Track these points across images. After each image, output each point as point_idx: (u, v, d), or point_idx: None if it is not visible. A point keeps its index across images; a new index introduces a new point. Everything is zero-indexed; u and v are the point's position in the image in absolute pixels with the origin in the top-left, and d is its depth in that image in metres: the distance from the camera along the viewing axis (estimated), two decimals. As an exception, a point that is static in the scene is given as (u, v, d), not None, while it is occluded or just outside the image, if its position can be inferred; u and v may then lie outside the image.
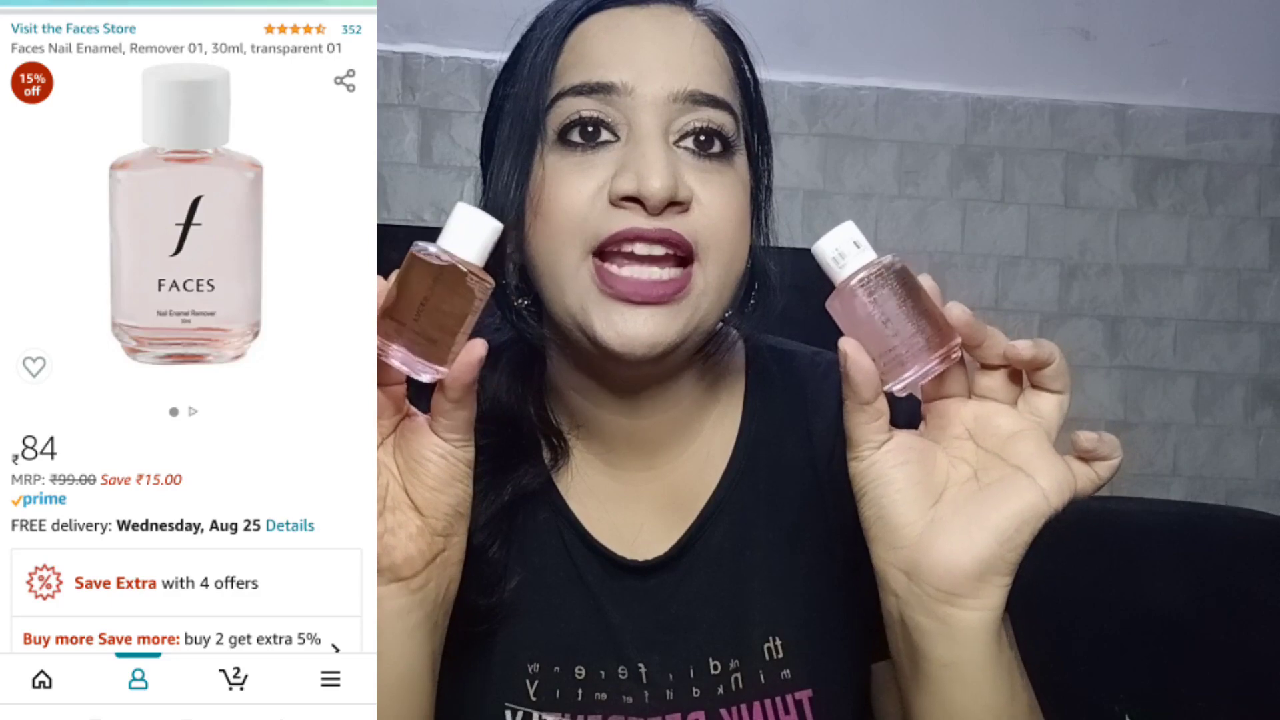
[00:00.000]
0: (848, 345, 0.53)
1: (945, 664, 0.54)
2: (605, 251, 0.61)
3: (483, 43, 1.58)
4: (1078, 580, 1.28)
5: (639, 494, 0.71)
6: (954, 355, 0.53)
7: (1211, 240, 1.91)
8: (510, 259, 0.65)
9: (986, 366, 0.55)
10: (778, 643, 0.68)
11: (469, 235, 0.53)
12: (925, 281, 0.54)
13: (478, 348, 0.52)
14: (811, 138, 1.84)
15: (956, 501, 0.54)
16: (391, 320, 0.51)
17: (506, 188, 0.63)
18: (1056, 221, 1.89)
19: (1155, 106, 1.89)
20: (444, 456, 0.55)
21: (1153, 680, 1.25)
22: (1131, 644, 1.27)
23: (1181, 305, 1.91)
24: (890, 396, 0.54)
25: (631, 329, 0.60)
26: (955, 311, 0.53)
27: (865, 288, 0.53)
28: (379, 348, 0.51)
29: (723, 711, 0.67)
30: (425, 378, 0.53)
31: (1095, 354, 1.89)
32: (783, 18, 1.80)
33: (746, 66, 0.68)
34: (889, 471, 0.54)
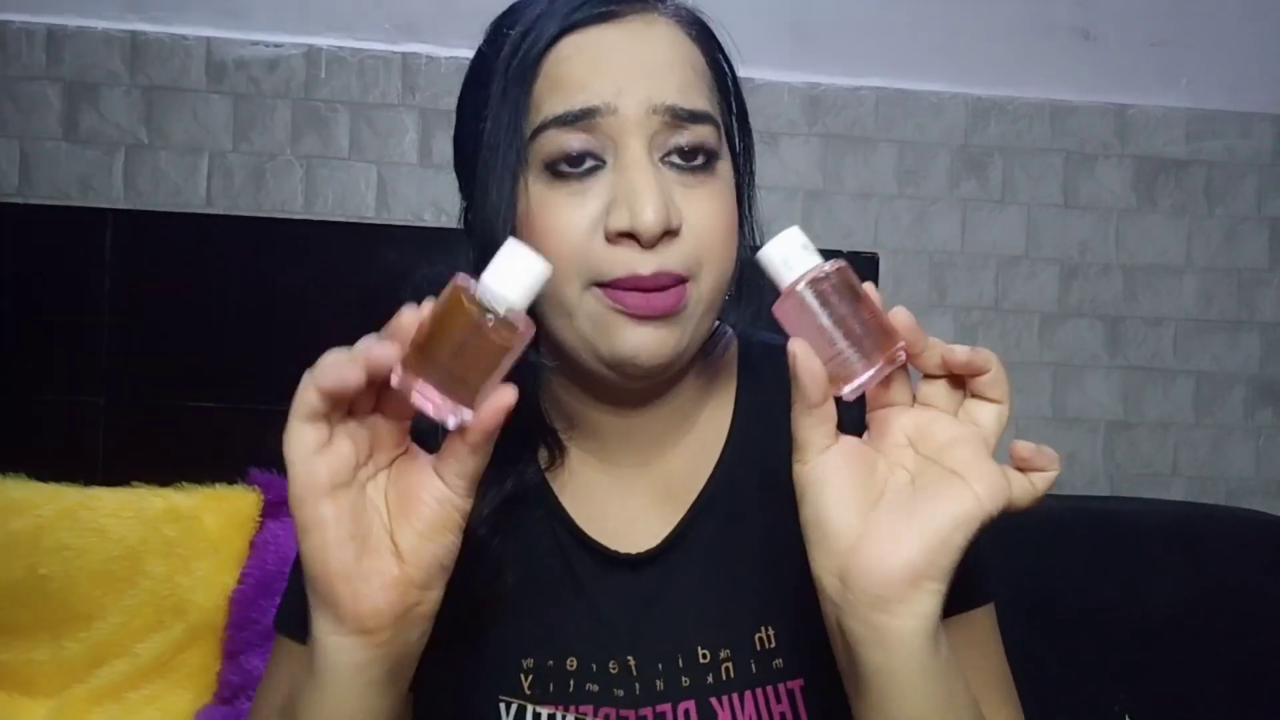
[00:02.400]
0: (797, 346, 0.53)
1: (879, 670, 0.53)
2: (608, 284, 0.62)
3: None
4: (1078, 580, 1.29)
5: (633, 488, 0.72)
6: (899, 358, 0.53)
7: (1211, 240, 1.91)
8: None
9: (929, 376, 0.56)
10: (770, 632, 0.69)
11: (518, 278, 0.51)
12: (868, 287, 0.54)
13: (508, 394, 0.50)
14: (811, 138, 1.84)
15: (892, 507, 0.53)
16: (422, 355, 0.49)
17: (492, 221, 0.63)
18: (1056, 221, 1.89)
19: (1155, 106, 1.89)
20: (442, 502, 0.52)
21: (1153, 680, 1.25)
22: (1131, 644, 1.27)
23: (1181, 305, 1.91)
24: (838, 403, 0.54)
25: (637, 343, 0.62)
26: (900, 315, 0.53)
27: (812, 290, 0.53)
28: (403, 382, 0.49)
29: (713, 701, 0.67)
30: (450, 421, 0.50)
31: (1095, 354, 1.89)
32: (783, 18, 1.80)
33: (725, 63, 0.69)
34: (829, 474, 0.53)
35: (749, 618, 0.69)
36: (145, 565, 1.43)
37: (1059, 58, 1.87)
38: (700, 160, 0.63)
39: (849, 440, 0.55)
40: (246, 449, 1.52)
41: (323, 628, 0.52)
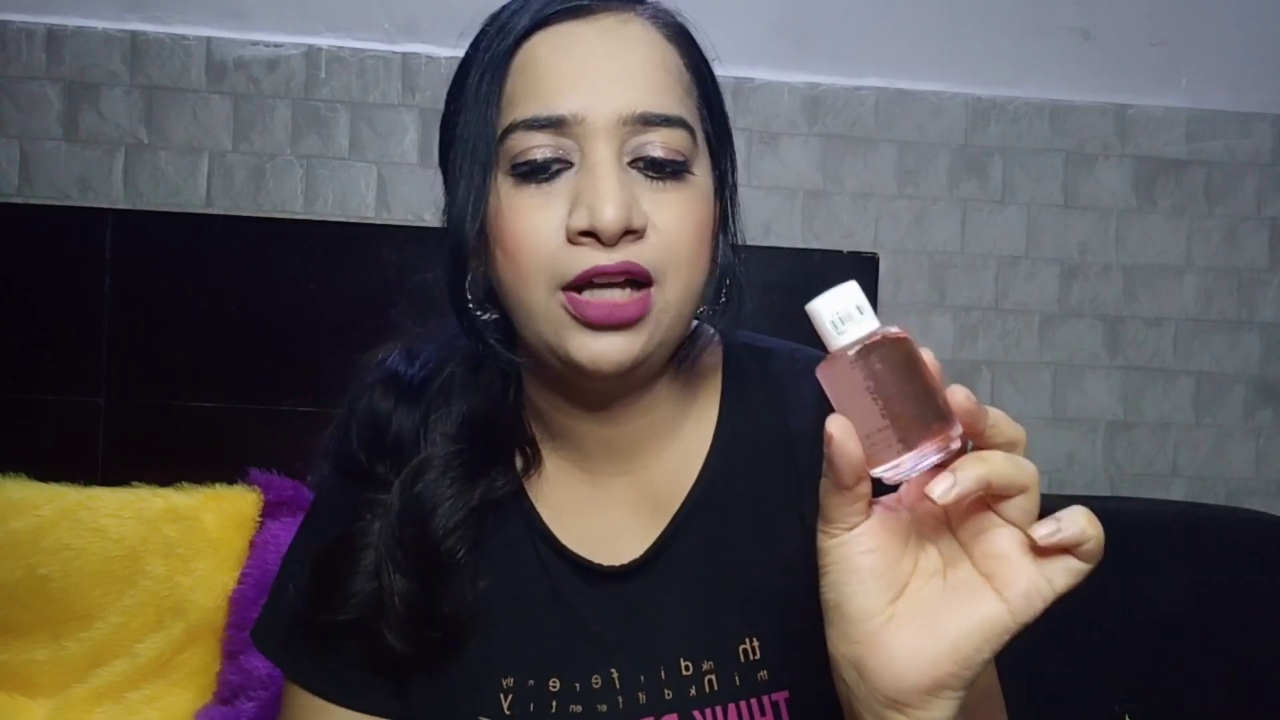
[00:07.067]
0: (834, 427, 0.47)
1: None
2: (571, 284, 0.61)
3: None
4: (1078, 580, 1.28)
5: (616, 498, 0.71)
6: (953, 446, 0.47)
7: (1211, 240, 1.91)
8: (472, 276, 0.65)
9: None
10: (755, 644, 0.68)
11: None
12: (927, 357, 0.49)
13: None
14: (811, 138, 1.83)
15: (918, 601, 0.49)
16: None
17: (461, 216, 0.63)
18: (1056, 221, 1.89)
19: (1155, 106, 1.89)
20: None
21: (1153, 680, 1.25)
22: (1131, 644, 1.27)
23: (1181, 305, 1.90)
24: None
25: (599, 349, 0.61)
26: (958, 396, 0.47)
27: (863, 360, 0.48)
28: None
29: (696, 713, 0.67)
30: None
31: (1095, 354, 1.89)
32: (783, 18, 1.80)
33: (703, 66, 0.68)
34: (856, 557, 0.49)
35: (733, 629, 0.68)
36: (145, 565, 1.43)
37: (1059, 58, 1.87)
38: (670, 167, 0.62)
39: (881, 514, 0.50)
40: (246, 449, 1.52)
41: None
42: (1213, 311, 1.91)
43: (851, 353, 0.48)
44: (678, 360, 0.69)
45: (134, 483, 1.51)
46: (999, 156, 1.87)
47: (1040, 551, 0.47)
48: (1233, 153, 1.90)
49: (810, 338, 0.71)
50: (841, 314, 0.49)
